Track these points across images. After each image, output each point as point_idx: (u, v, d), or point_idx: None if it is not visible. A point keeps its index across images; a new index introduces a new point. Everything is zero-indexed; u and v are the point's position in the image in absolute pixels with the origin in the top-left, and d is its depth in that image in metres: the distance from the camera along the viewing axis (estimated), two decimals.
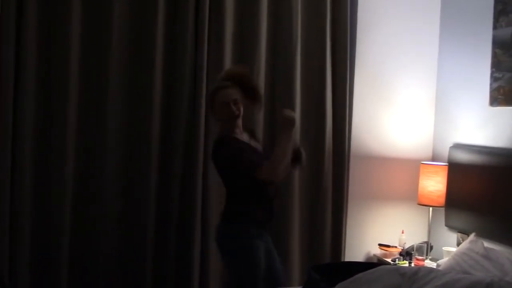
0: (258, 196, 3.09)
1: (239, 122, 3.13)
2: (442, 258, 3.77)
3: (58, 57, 3.52)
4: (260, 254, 3.08)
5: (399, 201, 4.22)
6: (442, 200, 3.92)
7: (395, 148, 4.23)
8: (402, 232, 4.14)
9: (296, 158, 3.26)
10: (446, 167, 3.94)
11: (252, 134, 3.32)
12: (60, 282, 3.54)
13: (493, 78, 3.69)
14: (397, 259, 3.89)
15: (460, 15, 4.08)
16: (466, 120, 3.95)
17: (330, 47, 4.06)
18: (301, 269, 3.98)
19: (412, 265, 3.76)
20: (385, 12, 4.18)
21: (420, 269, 2.60)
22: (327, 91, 4.03)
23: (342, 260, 4.06)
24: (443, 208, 3.96)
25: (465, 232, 3.75)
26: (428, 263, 3.81)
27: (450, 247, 3.83)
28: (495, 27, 3.69)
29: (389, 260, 3.95)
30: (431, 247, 4.00)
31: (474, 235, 3.50)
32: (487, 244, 3.40)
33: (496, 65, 3.67)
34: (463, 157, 3.84)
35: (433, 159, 4.23)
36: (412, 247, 3.90)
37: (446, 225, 4.00)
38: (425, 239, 4.03)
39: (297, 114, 3.92)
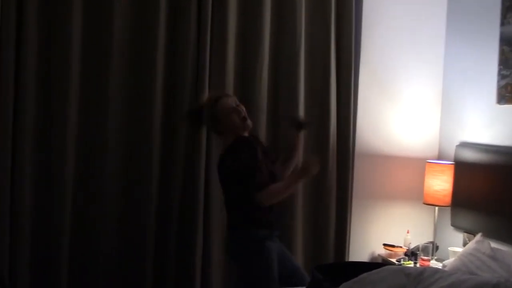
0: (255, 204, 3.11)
1: (247, 124, 3.20)
2: (448, 258, 3.76)
3: (58, 57, 3.51)
4: (272, 256, 3.11)
5: (405, 200, 4.21)
6: (448, 199, 3.91)
7: (400, 147, 4.21)
8: (407, 232, 4.13)
9: (296, 125, 3.46)
10: (453, 166, 3.93)
11: (255, 139, 3.37)
12: (60, 282, 3.54)
13: (501, 76, 3.67)
14: (402, 259, 3.88)
15: (467, 11, 4.07)
16: (473, 118, 3.93)
17: (334, 44, 4.04)
18: (305, 269, 3.91)
19: (418, 265, 3.75)
20: (391, 8, 4.17)
21: (425, 270, 2.59)
22: (331, 88, 4.02)
23: (346, 260, 4.06)
24: (449, 208, 3.96)
25: (471, 232, 3.74)
26: (434, 264, 3.80)
27: (456, 247, 3.82)
28: (502, 24, 3.67)
29: (394, 260, 3.94)
30: (437, 247, 3.99)
31: (481, 235, 3.49)
32: (494, 244, 3.39)
33: (504, 62, 3.65)
34: (469, 155, 3.83)
35: (439, 158, 4.21)
36: (417, 247, 3.89)
37: (452, 225, 3.99)
38: (431, 239, 4.02)
39: (300, 112, 3.92)
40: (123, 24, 3.62)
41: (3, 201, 3.38)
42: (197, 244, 3.70)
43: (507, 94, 3.61)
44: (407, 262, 3.83)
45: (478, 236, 3.49)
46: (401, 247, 4.09)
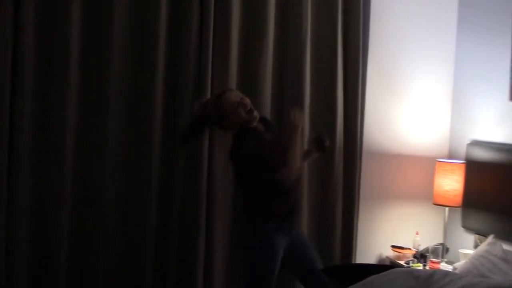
0: (276, 189, 3.10)
1: (254, 116, 3.19)
2: (458, 260, 3.75)
3: (57, 57, 3.51)
4: (277, 248, 3.12)
5: (414, 201, 4.19)
6: (458, 199, 3.91)
7: (409, 145, 4.20)
8: (417, 233, 4.11)
9: (318, 145, 3.41)
10: (463, 165, 3.94)
11: (265, 123, 3.36)
12: (60, 282, 3.54)
13: None
14: (411, 262, 3.88)
15: (479, 6, 4.06)
16: (485, 115, 3.93)
17: (341, 38, 4.02)
18: None
19: (427, 268, 3.75)
20: (400, 2, 4.16)
21: (435, 272, 2.66)
22: (338, 84, 4.00)
23: (353, 262, 4.04)
24: (460, 208, 3.97)
25: (483, 234, 3.73)
26: (444, 266, 3.79)
27: (467, 249, 3.81)
28: None
29: (402, 262, 3.93)
30: (447, 249, 3.99)
31: (493, 237, 3.50)
32: (506, 246, 3.39)
33: None
34: (481, 154, 3.83)
35: (450, 157, 4.20)
36: (427, 249, 3.89)
37: (463, 226, 4.00)
38: (441, 241, 4.00)
39: (306, 109, 3.90)
40: (123, 23, 3.62)
41: (1, 201, 3.38)
42: (199, 246, 3.70)
43: None
44: (416, 265, 3.82)
45: (490, 238, 3.50)
46: (410, 249, 4.08)
